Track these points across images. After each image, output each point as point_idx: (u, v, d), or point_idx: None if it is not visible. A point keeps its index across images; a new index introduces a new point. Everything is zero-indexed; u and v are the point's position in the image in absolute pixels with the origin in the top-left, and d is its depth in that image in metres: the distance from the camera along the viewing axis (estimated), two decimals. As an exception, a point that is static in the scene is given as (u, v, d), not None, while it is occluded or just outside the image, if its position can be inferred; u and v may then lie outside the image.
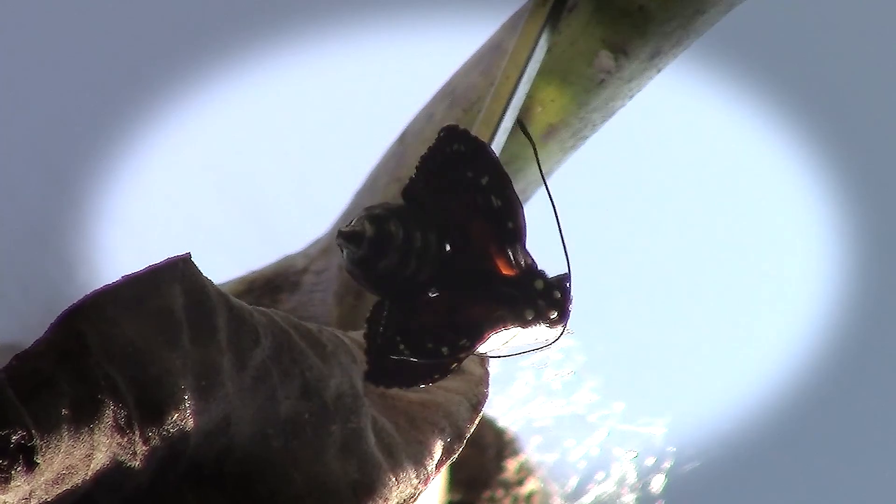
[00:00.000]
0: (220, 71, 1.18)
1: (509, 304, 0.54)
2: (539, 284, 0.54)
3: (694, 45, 0.75)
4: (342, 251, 0.55)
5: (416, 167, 0.56)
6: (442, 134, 0.56)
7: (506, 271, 0.55)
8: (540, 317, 0.54)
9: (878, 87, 1.22)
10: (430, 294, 0.55)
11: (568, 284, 0.55)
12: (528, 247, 0.55)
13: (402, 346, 0.54)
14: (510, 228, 0.55)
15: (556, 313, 0.54)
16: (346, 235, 0.55)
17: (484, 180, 0.55)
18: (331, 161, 1.15)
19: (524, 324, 0.55)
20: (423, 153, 0.57)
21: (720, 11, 0.73)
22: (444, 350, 0.54)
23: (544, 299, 0.54)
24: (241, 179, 1.19)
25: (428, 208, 0.56)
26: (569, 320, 0.55)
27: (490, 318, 0.54)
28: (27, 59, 1.18)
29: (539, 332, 0.55)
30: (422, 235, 0.55)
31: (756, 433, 1.16)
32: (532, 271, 0.55)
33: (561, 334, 0.55)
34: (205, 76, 1.18)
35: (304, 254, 0.90)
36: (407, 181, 0.56)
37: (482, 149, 0.55)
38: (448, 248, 0.55)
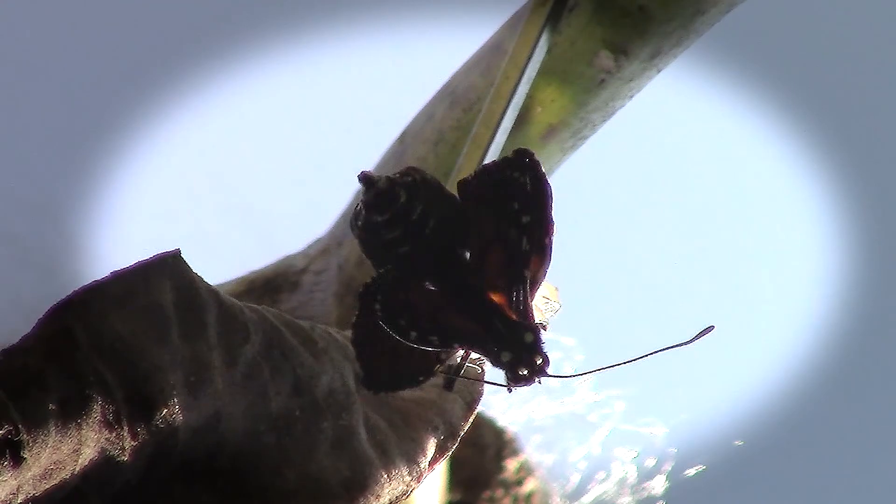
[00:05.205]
0: (219, 71, 1.19)
1: (493, 337, 0.54)
2: (528, 338, 0.53)
3: (694, 45, 0.75)
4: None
5: (475, 171, 0.55)
6: (511, 154, 0.54)
7: (504, 309, 0.54)
8: (512, 366, 0.53)
9: (880, 88, 1.22)
10: (422, 282, 0.55)
11: (547, 362, 0.53)
12: (534, 299, 0.54)
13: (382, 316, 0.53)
14: (525, 276, 0.54)
15: (525, 373, 0.53)
16: (363, 177, 0.54)
17: (525, 219, 0.54)
18: (331, 161, 1.15)
19: (494, 361, 0.54)
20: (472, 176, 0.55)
21: (720, 11, 0.73)
22: (413, 337, 0.53)
23: (526, 353, 0.53)
24: (240, 179, 1.19)
25: (465, 208, 0.55)
26: (530, 385, 0.54)
27: (468, 335, 0.54)
28: (23, 61, 1.18)
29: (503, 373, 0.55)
30: (422, 212, 0.54)
31: (758, 434, 1.16)
32: (530, 323, 0.54)
33: (519, 387, 0.54)
34: (204, 76, 1.18)
35: (303, 254, 0.91)
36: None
37: (539, 188, 0.54)
38: (443, 237, 0.54)
